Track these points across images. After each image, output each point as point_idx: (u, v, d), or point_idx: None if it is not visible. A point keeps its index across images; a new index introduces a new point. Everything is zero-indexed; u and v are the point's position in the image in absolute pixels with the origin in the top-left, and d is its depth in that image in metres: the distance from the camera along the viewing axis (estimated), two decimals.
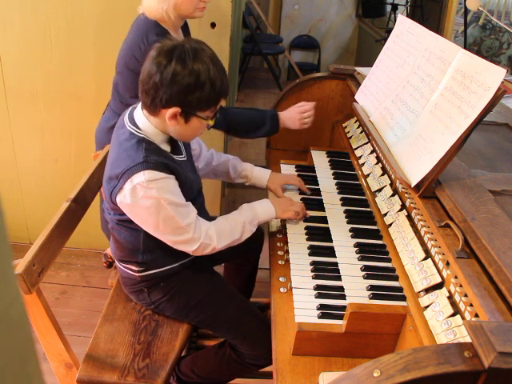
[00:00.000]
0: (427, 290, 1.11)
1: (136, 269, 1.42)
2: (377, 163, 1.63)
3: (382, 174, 1.58)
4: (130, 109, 1.36)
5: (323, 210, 1.57)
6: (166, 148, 1.31)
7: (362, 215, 1.53)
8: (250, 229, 1.42)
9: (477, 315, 0.92)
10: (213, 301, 1.46)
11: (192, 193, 1.37)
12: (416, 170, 1.29)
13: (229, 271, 1.88)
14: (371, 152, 1.70)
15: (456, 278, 1.03)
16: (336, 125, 2.07)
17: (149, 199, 1.22)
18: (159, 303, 1.47)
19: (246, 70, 5.45)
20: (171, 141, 1.33)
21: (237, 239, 1.39)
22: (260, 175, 1.65)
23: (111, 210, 1.36)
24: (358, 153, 1.77)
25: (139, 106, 1.31)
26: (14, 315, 0.37)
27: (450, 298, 1.03)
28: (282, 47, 5.33)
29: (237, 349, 1.50)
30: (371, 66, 1.86)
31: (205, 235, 1.32)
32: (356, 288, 1.24)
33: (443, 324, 0.99)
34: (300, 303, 1.20)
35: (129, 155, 1.25)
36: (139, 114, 1.30)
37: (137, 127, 1.28)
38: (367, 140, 1.77)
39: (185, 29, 1.90)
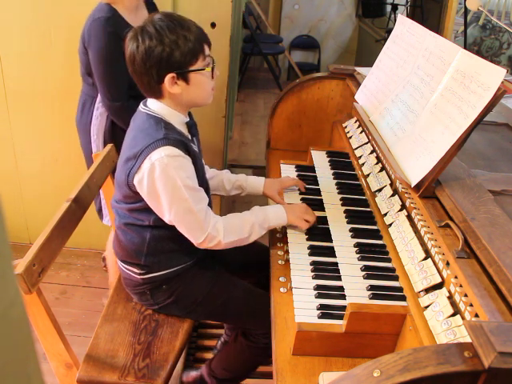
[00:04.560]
0: (427, 290, 1.10)
1: (138, 271, 1.42)
2: (377, 163, 1.63)
3: (382, 174, 1.57)
4: (141, 102, 1.38)
5: (323, 209, 1.57)
6: (184, 130, 1.34)
7: (362, 215, 1.53)
8: (259, 231, 1.41)
9: (477, 315, 0.92)
10: (219, 292, 1.47)
11: (202, 186, 1.35)
12: (416, 169, 1.29)
13: None
14: (371, 152, 1.70)
15: (456, 278, 1.03)
16: (336, 125, 2.06)
17: (165, 178, 1.24)
18: (164, 304, 1.47)
19: (246, 70, 5.45)
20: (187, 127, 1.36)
21: (244, 238, 1.39)
22: (255, 183, 1.63)
23: (122, 200, 1.36)
24: (357, 153, 1.77)
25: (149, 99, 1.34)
26: (14, 315, 0.37)
27: (450, 298, 1.03)
28: (281, 47, 5.34)
29: (250, 333, 1.52)
30: (371, 66, 1.86)
31: (212, 227, 1.32)
32: (356, 288, 1.24)
33: (443, 324, 0.99)
34: (300, 303, 1.20)
35: (148, 133, 1.26)
36: (152, 101, 1.33)
37: (153, 111, 1.31)
38: (367, 140, 1.77)
39: (152, 8, 1.92)
